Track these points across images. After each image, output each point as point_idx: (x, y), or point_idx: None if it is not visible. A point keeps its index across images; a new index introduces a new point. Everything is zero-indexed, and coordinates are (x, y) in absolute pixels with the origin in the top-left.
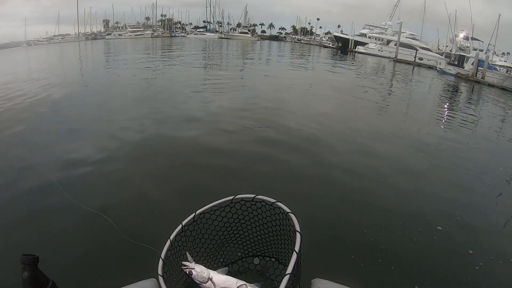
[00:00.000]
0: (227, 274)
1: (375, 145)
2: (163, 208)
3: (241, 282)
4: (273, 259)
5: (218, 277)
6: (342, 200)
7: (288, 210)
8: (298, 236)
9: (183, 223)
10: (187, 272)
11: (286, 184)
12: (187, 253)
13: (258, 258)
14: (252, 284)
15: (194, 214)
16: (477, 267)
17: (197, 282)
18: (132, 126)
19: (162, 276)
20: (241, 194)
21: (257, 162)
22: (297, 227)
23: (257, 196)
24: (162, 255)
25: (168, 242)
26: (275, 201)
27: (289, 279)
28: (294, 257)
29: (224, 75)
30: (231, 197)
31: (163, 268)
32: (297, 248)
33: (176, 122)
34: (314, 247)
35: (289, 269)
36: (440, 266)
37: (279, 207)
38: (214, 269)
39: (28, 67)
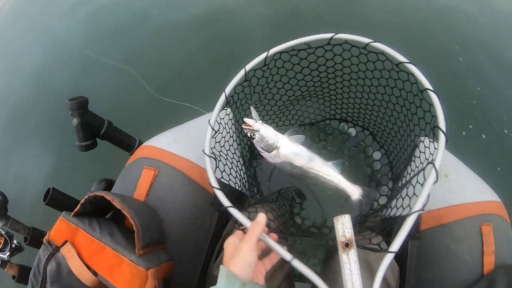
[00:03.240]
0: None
1: None
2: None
3: (317, 158)
4: (366, 132)
5: (288, 147)
6: None
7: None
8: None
9: (247, 67)
10: (250, 135)
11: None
12: (252, 107)
13: (347, 124)
14: (332, 162)
15: (266, 53)
16: None
17: (259, 148)
18: None
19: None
20: (343, 33)
21: None
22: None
23: (374, 43)
24: (216, 109)
25: (223, 96)
26: (406, 61)
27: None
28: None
29: None
30: (328, 35)
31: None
32: (442, 125)
33: None
34: None
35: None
36: None
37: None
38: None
39: None
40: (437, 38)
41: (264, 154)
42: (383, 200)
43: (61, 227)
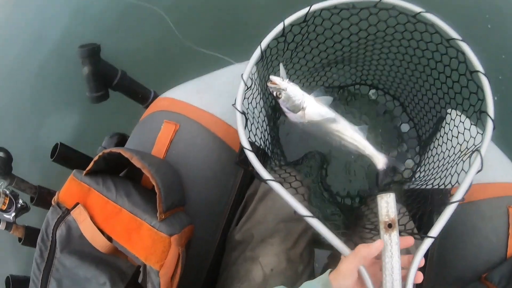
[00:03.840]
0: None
1: None
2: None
3: (344, 121)
4: (396, 103)
5: (315, 108)
6: None
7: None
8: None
9: (286, 21)
10: (276, 93)
11: None
12: (281, 64)
13: (377, 92)
14: (358, 126)
15: (308, 8)
16: None
17: (285, 108)
18: None
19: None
20: None
21: None
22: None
23: (425, 14)
24: (251, 62)
25: (259, 50)
26: (458, 38)
27: None
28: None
29: None
30: None
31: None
32: (491, 111)
33: None
34: None
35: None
36: None
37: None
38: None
39: None
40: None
41: (290, 114)
42: (407, 174)
43: (72, 187)
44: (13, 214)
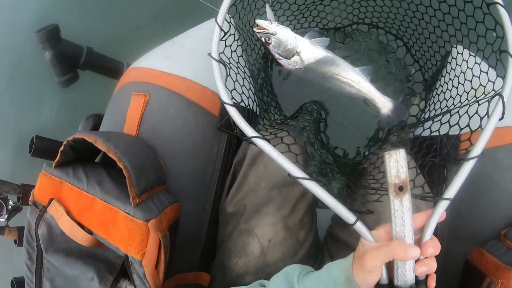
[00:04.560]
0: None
1: None
2: None
3: (344, 63)
4: (400, 42)
5: (311, 51)
6: None
7: None
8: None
9: None
10: (264, 39)
11: None
12: (267, 5)
13: (377, 31)
14: (360, 68)
15: None
16: None
17: (277, 55)
18: None
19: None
20: None
21: None
22: None
23: None
24: (225, 3)
25: None
26: None
27: None
28: None
29: None
30: None
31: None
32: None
33: None
34: None
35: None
36: None
37: None
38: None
39: None
40: None
41: (283, 61)
42: (411, 120)
43: (44, 183)
44: (6, 216)
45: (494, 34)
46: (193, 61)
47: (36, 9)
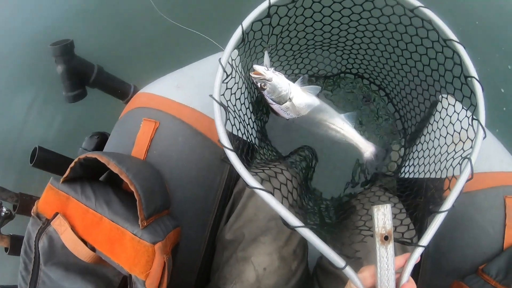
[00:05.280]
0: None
1: None
2: None
3: (330, 109)
4: (382, 93)
5: (302, 98)
6: None
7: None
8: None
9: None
10: (259, 84)
11: None
12: (266, 52)
13: (362, 81)
14: (344, 114)
15: None
16: None
17: (270, 100)
18: None
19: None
20: None
21: None
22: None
23: (423, 8)
24: (230, 45)
25: (240, 30)
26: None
27: None
28: None
29: None
30: None
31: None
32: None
33: None
34: None
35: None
36: None
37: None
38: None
39: None
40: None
41: (275, 106)
42: (391, 166)
43: (50, 196)
44: None
45: (469, 101)
46: (201, 93)
47: (52, 21)
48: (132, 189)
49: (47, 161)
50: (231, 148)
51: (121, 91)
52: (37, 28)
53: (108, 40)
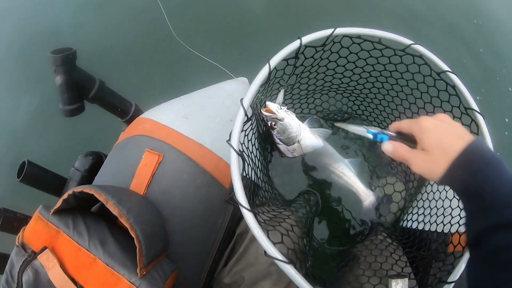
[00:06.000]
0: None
1: None
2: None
3: (336, 153)
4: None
5: (311, 141)
6: None
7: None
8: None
9: (304, 39)
10: (270, 124)
11: None
12: (282, 90)
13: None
14: (349, 160)
15: (332, 31)
16: None
17: (277, 140)
18: None
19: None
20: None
21: None
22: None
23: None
24: (255, 84)
25: (266, 68)
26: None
27: None
28: None
29: None
30: (407, 41)
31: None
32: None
33: None
34: None
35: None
36: None
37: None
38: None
39: None
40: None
41: (282, 146)
42: (390, 218)
43: (38, 227)
44: None
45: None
46: (211, 127)
47: (54, 27)
48: (133, 235)
49: (36, 177)
50: (249, 208)
51: (121, 109)
52: (37, 30)
53: (112, 53)
